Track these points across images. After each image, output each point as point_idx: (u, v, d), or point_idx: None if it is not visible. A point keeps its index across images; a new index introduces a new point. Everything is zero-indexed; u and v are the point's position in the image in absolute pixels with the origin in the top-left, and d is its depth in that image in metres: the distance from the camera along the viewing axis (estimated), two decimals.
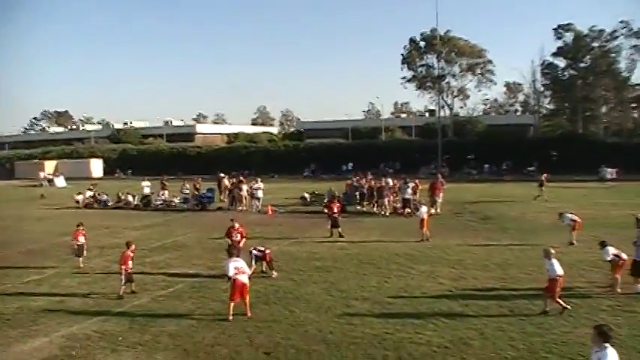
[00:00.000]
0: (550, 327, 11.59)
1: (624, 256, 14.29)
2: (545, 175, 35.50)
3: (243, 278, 12.92)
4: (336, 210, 23.46)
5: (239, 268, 12.95)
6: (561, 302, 12.56)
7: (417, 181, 32.03)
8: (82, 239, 18.77)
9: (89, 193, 39.71)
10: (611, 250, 14.42)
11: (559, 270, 12.65)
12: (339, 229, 23.10)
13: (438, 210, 29.32)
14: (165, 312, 13.42)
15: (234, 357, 10.51)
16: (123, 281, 14.94)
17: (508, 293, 14.21)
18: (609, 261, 14.41)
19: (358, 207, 32.15)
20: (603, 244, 14.77)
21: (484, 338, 11.08)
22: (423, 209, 22.57)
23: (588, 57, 76.85)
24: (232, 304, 12.78)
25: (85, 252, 18.88)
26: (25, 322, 12.91)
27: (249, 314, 12.86)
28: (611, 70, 75.71)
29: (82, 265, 18.40)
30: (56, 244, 23.26)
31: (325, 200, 30.41)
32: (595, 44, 76.05)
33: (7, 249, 22.44)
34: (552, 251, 13.13)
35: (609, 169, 46.28)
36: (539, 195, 33.73)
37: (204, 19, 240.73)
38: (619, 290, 13.96)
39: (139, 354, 10.82)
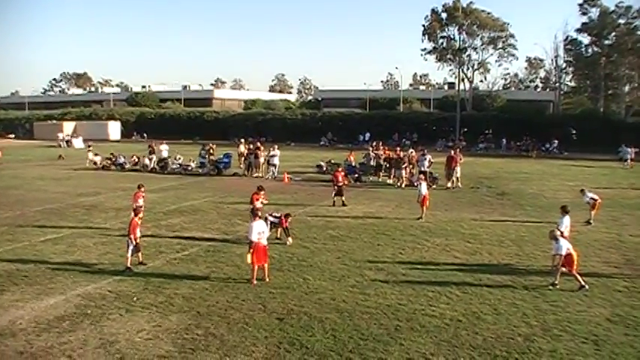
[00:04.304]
0: (564, 305, 11.52)
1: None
2: None
3: (264, 241, 13.13)
4: (340, 179, 23.79)
5: (261, 233, 13.13)
6: (580, 279, 12.53)
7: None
8: (140, 201, 18.24)
9: (91, 155, 40.10)
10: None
11: (564, 249, 12.52)
12: (343, 198, 23.44)
13: (459, 184, 29.12)
14: (180, 275, 13.54)
15: (247, 321, 10.57)
16: (130, 252, 14.05)
17: (523, 269, 14.15)
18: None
19: (373, 177, 32.08)
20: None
21: (497, 313, 11.05)
22: (424, 185, 21.70)
23: (613, 34, 74.93)
24: (256, 268, 12.94)
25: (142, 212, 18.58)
26: (42, 280, 13.10)
27: (267, 279, 13.02)
28: (637, 48, 73.72)
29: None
30: (73, 204, 23.53)
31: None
32: (621, 21, 74.11)
33: (26, 208, 22.70)
34: (558, 232, 13.16)
35: (630, 149, 45.45)
36: None
37: None
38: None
39: (153, 315, 10.93)
